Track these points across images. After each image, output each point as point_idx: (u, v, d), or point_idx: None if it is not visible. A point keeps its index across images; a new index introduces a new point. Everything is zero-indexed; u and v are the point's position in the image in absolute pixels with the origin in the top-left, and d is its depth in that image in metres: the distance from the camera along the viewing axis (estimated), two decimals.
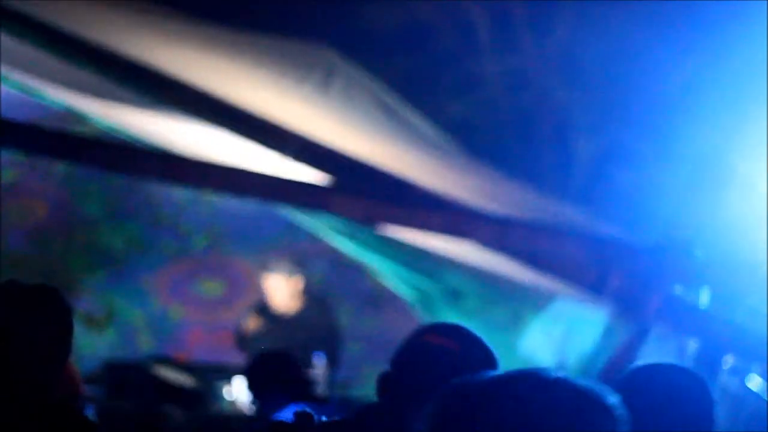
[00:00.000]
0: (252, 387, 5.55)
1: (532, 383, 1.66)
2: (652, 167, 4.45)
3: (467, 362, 3.00)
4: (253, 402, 5.55)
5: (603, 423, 1.65)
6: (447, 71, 4.10)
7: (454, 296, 5.98)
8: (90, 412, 3.02)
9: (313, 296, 8.13)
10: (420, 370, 3.05)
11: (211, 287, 9.51)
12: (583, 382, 1.67)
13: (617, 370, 4.97)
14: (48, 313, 2.96)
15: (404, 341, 3.15)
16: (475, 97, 4.25)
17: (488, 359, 3.07)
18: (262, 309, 8.06)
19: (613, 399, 1.67)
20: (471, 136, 4.51)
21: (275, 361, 5.67)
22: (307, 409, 3.16)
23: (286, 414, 5.48)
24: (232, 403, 7.54)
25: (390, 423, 3.03)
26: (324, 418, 3.12)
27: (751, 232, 4.53)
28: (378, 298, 8.81)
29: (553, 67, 4.05)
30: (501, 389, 1.66)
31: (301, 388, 5.55)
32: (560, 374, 1.68)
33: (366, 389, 6.45)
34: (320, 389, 6.90)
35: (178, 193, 9.23)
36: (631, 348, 5.00)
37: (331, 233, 6.22)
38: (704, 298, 5.08)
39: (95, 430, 2.94)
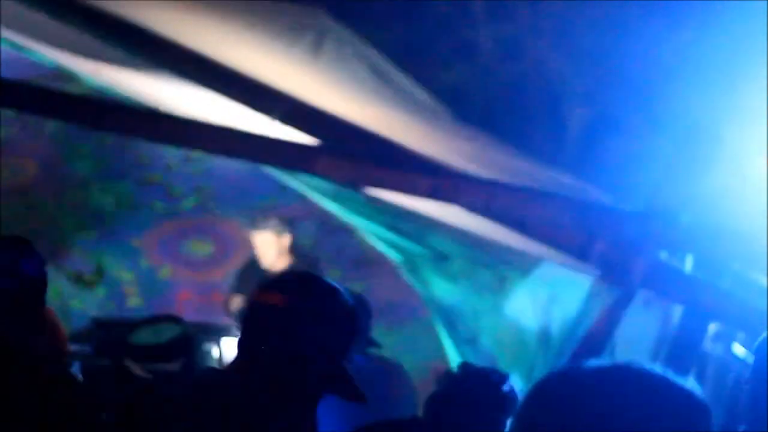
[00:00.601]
0: None
1: (633, 377, 1.63)
2: (642, 134, 4.46)
3: (299, 319, 2.88)
4: None
5: (700, 422, 1.64)
6: (439, 37, 4.10)
7: (441, 259, 6.00)
8: (76, 369, 3.05)
9: (301, 256, 8.15)
10: (247, 331, 2.94)
11: (201, 247, 9.53)
12: (681, 379, 1.65)
13: (600, 335, 5.01)
14: (19, 264, 2.98)
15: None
16: (466, 63, 4.25)
17: (331, 316, 2.93)
18: (250, 269, 8.08)
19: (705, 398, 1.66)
20: (461, 102, 4.52)
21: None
22: None
23: None
24: (220, 362, 7.56)
25: (230, 387, 2.91)
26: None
27: (738, 199, 4.54)
28: (366, 260, 8.83)
29: (545, 35, 4.05)
30: (600, 381, 1.63)
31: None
32: (659, 369, 1.66)
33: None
34: None
35: (168, 153, 9.23)
36: (615, 313, 5.02)
37: (319, 195, 6.24)
38: (689, 264, 5.10)
39: (80, 387, 2.96)
